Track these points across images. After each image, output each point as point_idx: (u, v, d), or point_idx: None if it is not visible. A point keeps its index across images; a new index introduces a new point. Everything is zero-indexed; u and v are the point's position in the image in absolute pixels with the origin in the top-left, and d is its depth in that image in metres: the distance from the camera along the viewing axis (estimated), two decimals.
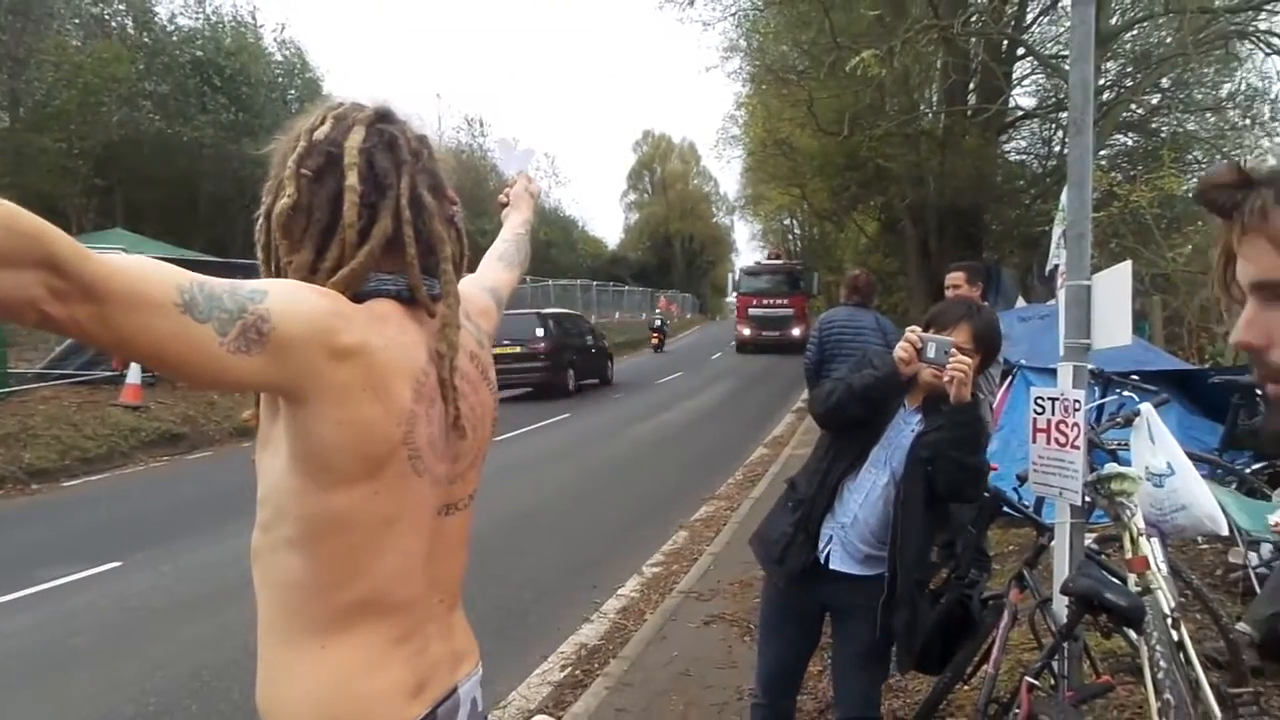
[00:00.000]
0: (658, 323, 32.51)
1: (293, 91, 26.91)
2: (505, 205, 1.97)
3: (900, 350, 2.42)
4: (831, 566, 2.58)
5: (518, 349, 16.65)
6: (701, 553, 6.64)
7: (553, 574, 6.29)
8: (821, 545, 2.58)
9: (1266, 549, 4.15)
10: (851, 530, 2.57)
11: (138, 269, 0.92)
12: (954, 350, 2.36)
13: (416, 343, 1.20)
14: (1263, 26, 12.39)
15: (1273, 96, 13.64)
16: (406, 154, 1.22)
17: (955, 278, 4.92)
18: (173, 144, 22.18)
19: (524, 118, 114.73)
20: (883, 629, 2.56)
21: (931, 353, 2.37)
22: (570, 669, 4.66)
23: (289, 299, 1.05)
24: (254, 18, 26.42)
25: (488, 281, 1.69)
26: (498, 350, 12.20)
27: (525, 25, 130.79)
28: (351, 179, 1.17)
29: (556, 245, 43.82)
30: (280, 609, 1.20)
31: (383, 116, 1.25)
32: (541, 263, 35.90)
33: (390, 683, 1.22)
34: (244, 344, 0.98)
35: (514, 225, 1.91)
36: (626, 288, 46.44)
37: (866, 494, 2.56)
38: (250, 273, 1.18)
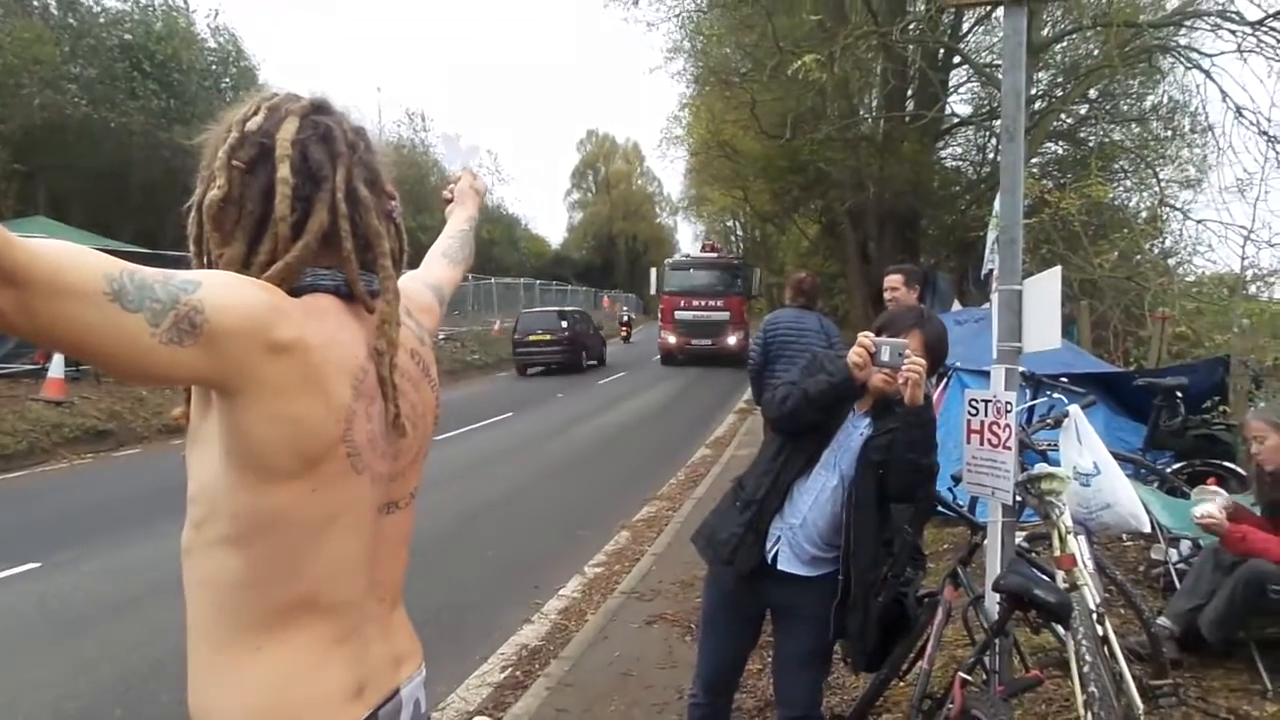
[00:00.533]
0: (625, 317, 37.96)
1: (227, 80, 26.18)
2: (450, 201, 1.95)
3: (854, 355, 2.44)
4: (779, 567, 2.60)
5: (548, 336, 22.55)
6: (643, 553, 6.65)
7: (493, 574, 6.24)
8: (769, 545, 2.60)
9: (1186, 545, 4.32)
10: (800, 531, 2.59)
11: (64, 255, 0.89)
12: (908, 352, 2.39)
13: (356, 339, 1.18)
14: (1183, 42, 12.84)
15: (1192, 109, 14.14)
16: (342, 146, 1.20)
17: (894, 280, 5.01)
18: (99, 130, 21.39)
19: (466, 113, 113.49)
20: (836, 631, 2.60)
21: (885, 356, 2.40)
22: (511, 670, 4.63)
23: (224, 291, 1.03)
24: (185, 2, 25.65)
25: (431, 278, 1.67)
26: (533, 338, 12.93)
27: (468, 19, 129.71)
28: (284, 171, 1.15)
29: (499, 244, 43.52)
30: (213, 609, 1.17)
31: (318, 108, 1.23)
32: (484, 261, 35.55)
33: (328, 685, 1.19)
34: (176, 335, 0.96)
35: (458, 222, 1.89)
36: (570, 287, 46.26)
37: (816, 496, 2.59)
38: (181, 265, 1.15)
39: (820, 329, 6.01)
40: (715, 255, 27.31)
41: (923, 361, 2.39)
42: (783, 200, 25.15)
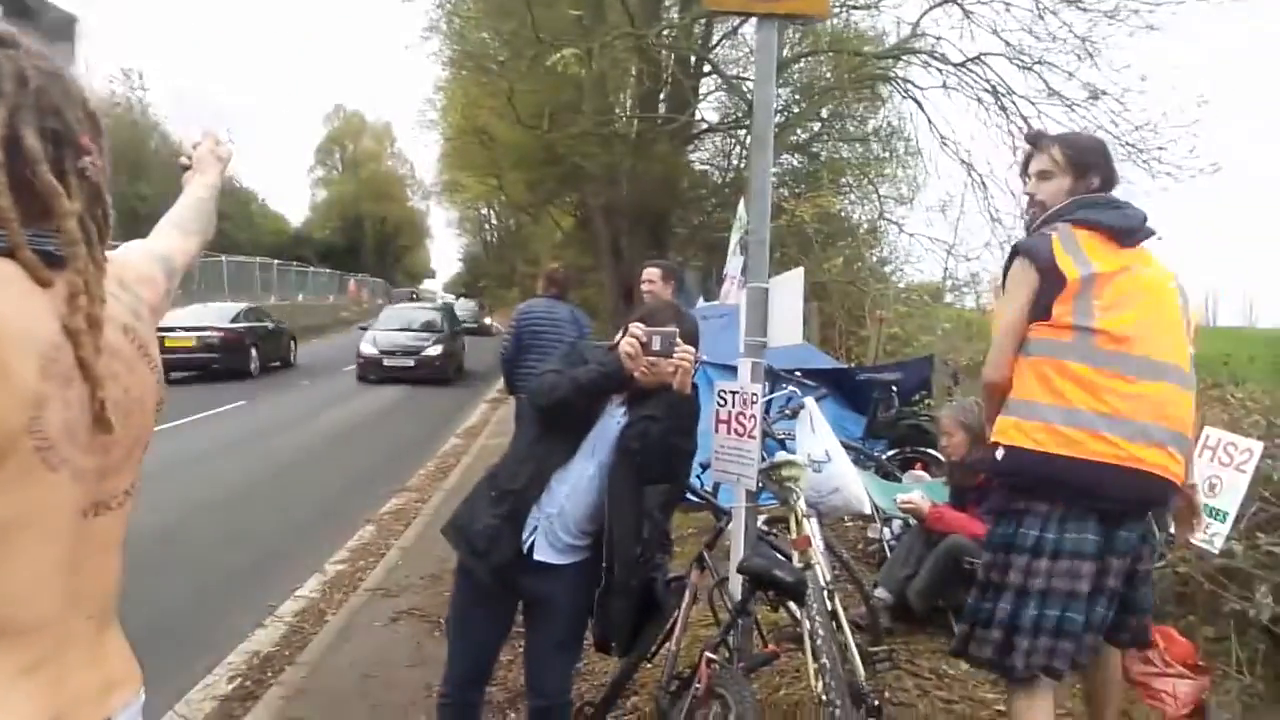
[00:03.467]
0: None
1: None
2: (188, 169, 1.73)
3: (626, 345, 2.44)
4: (535, 557, 2.57)
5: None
6: (390, 547, 6.40)
7: (220, 577, 5.74)
8: (525, 535, 2.57)
9: (897, 524, 4.79)
10: (557, 521, 2.58)
11: None
12: (679, 341, 2.43)
13: (45, 312, 1.00)
14: (902, 74, 14.33)
15: (906, 134, 15.78)
16: (9, 84, 1.00)
17: (651, 274, 5.16)
18: None
19: (195, 72, 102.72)
20: (599, 617, 2.61)
21: (658, 345, 2.41)
22: (240, 680, 4.27)
23: None
24: None
25: (158, 248, 1.48)
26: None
27: None
28: None
29: (231, 219, 40.05)
30: None
31: None
32: (214, 237, 32.45)
33: None
34: None
35: (196, 189, 1.69)
36: (312, 269, 43.54)
37: (574, 485, 2.58)
38: None
39: (573, 319, 6.09)
40: None
41: (693, 350, 2.45)
42: (538, 191, 25.16)
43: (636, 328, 2.47)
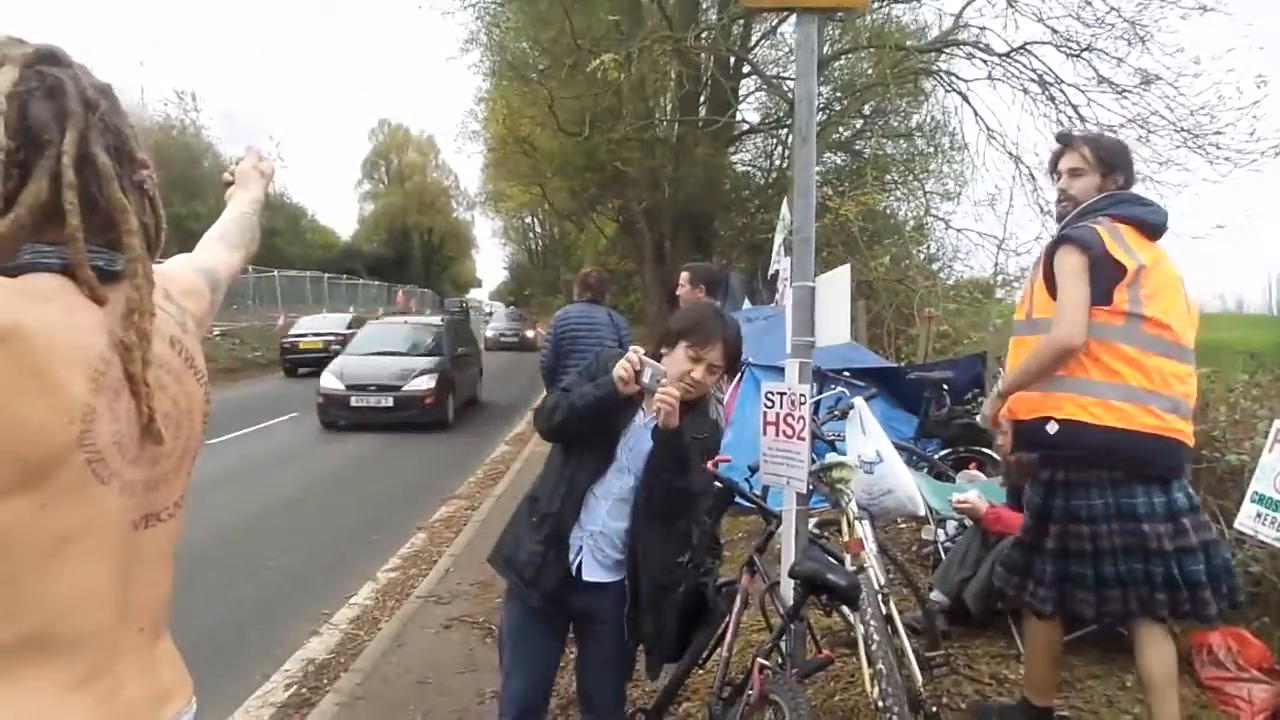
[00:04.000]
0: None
1: None
2: (230, 184, 1.74)
3: (620, 370, 2.40)
4: (584, 578, 2.54)
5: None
6: (441, 554, 6.45)
7: (275, 585, 5.83)
8: (571, 556, 2.53)
9: (952, 525, 4.68)
10: (601, 538, 2.54)
11: None
12: (664, 380, 2.38)
13: (93, 325, 1.01)
14: (944, 67, 14.11)
15: (951, 128, 15.55)
16: (75, 104, 1.01)
17: (680, 278, 5.17)
18: None
19: (245, 93, 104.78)
20: (632, 637, 2.58)
21: (646, 378, 2.38)
22: (296, 687, 4.32)
23: None
24: None
25: (203, 262, 1.47)
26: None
27: None
28: None
29: (282, 234, 40.91)
30: None
31: (47, 57, 1.04)
32: (266, 252, 33.23)
33: None
34: None
35: (239, 204, 1.69)
36: (361, 281, 44.25)
37: (614, 501, 2.54)
38: None
39: (611, 323, 6.07)
40: None
41: (675, 394, 2.38)
42: (580, 198, 25.27)
43: (633, 353, 2.44)
